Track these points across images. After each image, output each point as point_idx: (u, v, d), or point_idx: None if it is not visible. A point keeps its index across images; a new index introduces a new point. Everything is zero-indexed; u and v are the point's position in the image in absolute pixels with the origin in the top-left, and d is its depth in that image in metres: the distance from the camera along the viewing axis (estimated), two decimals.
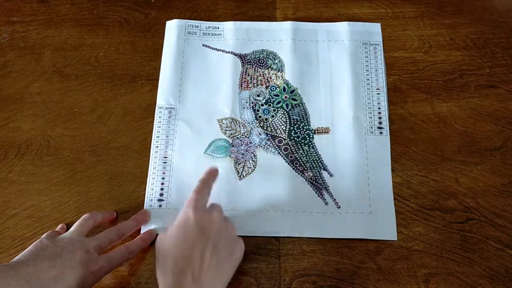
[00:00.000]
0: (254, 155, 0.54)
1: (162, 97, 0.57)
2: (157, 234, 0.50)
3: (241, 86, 0.58)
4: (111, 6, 0.63)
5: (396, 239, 0.49)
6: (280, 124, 0.56)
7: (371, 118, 0.55)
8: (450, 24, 0.61)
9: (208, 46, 0.60)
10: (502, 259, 0.48)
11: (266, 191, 0.52)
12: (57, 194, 0.52)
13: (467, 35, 0.60)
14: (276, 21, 0.61)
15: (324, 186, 0.52)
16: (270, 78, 0.58)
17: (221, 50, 0.60)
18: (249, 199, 0.51)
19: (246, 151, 0.54)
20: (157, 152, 0.54)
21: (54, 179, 0.53)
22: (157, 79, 0.58)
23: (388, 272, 0.48)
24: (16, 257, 0.39)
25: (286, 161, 0.54)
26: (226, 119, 0.56)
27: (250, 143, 0.55)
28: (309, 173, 0.53)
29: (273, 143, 0.55)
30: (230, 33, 0.60)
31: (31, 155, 0.54)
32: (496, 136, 0.54)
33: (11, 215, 0.51)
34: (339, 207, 0.51)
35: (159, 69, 0.58)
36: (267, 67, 0.58)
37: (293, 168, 0.53)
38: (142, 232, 0.50)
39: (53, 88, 0.58)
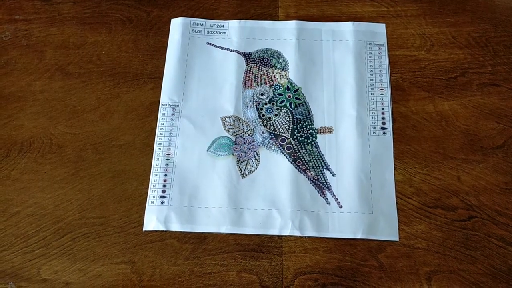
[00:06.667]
0: (257, 154, 0.55)
1: (166, 95, 0.57)
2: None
3: (245, 84, 0.58)
4: (113, 5, 0.64)
5: (397, 239, 0.50)
6: (283, 123, 0.56)
7: (374, 118, 0.56)
8: (452, 22, 0.61)
9: (213, 44, 0.61)
10: (504, 257, 0.49)
11: (268, 190, 0.53)
12: (59, 192, 0.53)
13: (469, 33, 0.61)
14: (278, 19, 0.62)
15: (326, 185, 0.53)
16: (274, 77, 0.59)
17: (225, 48, 0.60)
18: (251, 197, 0.52)
19: (249, 149, 0.55)
20: (160, 149, 0.55)
21: (57, 177, 0.53)
22: (160, 77, 0.58)
23: (390, 270, 0.49)
24: None
25: (288, 160, 0.54)
26: (229, 117, 0.56)
27: (253, 141, 0.55)
28: (311, 172, 0.53)
29: (276, 142, 0.55)
30: (235, 31, 0.61)
31: (33, 153, 0.55)
32: (498, 134, 0.55)
33: (13, 212, 0.52)
34: (341, 207, 0.52)
35: (162, 67, 0.59)
36: (271, 66, 0.59)
37: (296, 167, 0.54)
38: (144, 229, 0.51)
39: (55, 86, 0.58)
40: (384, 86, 0.58)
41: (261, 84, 0.58)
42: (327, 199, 0.52)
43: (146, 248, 0.50)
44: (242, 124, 0.56)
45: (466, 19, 0.62)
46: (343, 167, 0.53)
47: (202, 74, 0.59)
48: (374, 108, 0.56)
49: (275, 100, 0.58)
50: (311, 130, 0.56)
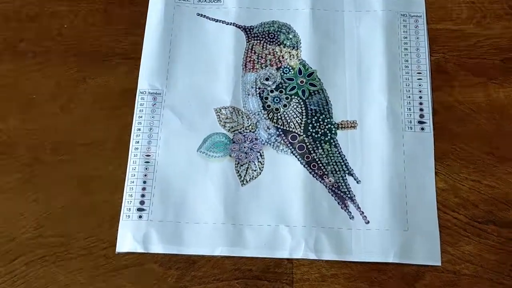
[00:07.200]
0: (260, 155, 0.55)
1: (145, 80, 0.57)
2: None
3: (246, 67, 0.58)
4: None
5: (439, 263, 0.50)
6: (295, 116, 0.56)
7: (410, 109, 0.56)
8: None
9: (204, 15, 0.61)
10: None
11: (275, 201, 0.53)
12: (9, 204, 0.53)
13: None
14: None
15: (349, 195, 0.53)
16: (283, 57, 0.59)
17: (220, 21, 0.60)
18: (254, 210, 0.52)
19: (251, 149, 0.55)
20: (137, 149, 0.55)
21: (5, 185, 0.54)
22: (137, 58, 0.59)
23: None
24: None
25: (301, 163, 0.54)
26: (225, 108, 0.56)
27: (256, 139, 0.55)
28: (330, 178, 0.54)
29: (285, 140, 0.55)
30: None
31: None
32: None
33: None
34: (367, 223, 0.52)
35: (140, 45, 0.59)
36: (279, 43, 0.59)
37: (310, 172, 0.54)
38: (118, 250, 0.51)
39: (3, 69, 0.58)
40: (423, 69, 0.57)
41: (266, 66, 0.58)
42: (350, 212, 0.52)
43: (120, 276, 0.50)
44: (242, 117, 0.56)
45: None
46: (371, 171, 0.54)
47: (191, 54, 0.59)
48: (409, 96, 0.56)
49: (284, 87, 0.57)
50: (329, 125, 0.56)
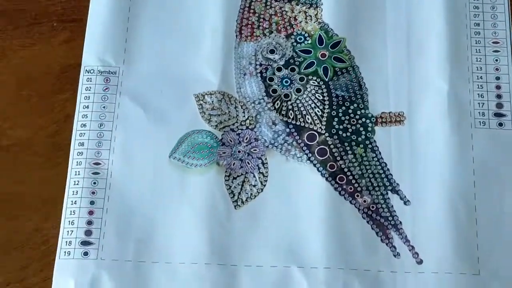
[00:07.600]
0: (262, 163, 0.53)
1: (93, 53, 0.56)
2: None
3: (241, 34, 0.57)
4: None
5: None
6: (313, 105, 0.55)
7: (482, 97, 0.54)
8: None
9: None
10: None
11: (284, 230, 0.52)
12: None
13: None
14: None
15: (392, 222, 0.52)
16: (295, 19, 0.57)
17: None
18: (253, 244, 0.51)
19: (249, 154, 0.53)
20: (81, 154, 0.53)
21: None
22: (81, 20, 0.58)
23: None
24: None
25: (322, 175, 0.53)
26: (211, 94, 0.55)
27: (256, 140, 0.54)
28: (365, 197, 0.52)
29: (299, 141, 0.54)
30: None
31: None
32: None
33: None
34: (420, 262, 0.50)
35: (85, 2, 0.59)
36: None
37: (336, 188, 0.53)
38: None
39: None
40: (501, 37, 0.56)
41: (271, 32, 0.57)
42: (395, 247, 0.51)
43: None
44: (236, 108, 0.55)
45: None
46: (424, 188, 0.52)
47: (160, 15, 0.58)
48: (481, 77, 0.55)
49: (297, 63, 0.56)
50: (364, 119, 0.54)
